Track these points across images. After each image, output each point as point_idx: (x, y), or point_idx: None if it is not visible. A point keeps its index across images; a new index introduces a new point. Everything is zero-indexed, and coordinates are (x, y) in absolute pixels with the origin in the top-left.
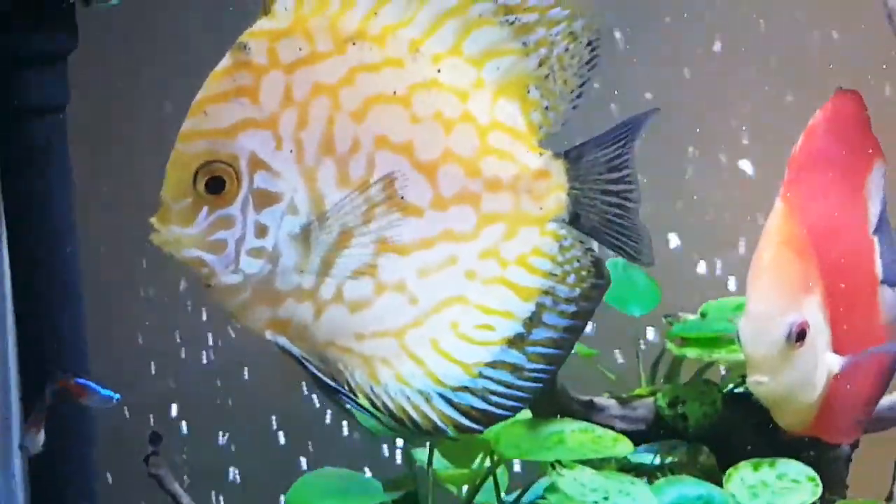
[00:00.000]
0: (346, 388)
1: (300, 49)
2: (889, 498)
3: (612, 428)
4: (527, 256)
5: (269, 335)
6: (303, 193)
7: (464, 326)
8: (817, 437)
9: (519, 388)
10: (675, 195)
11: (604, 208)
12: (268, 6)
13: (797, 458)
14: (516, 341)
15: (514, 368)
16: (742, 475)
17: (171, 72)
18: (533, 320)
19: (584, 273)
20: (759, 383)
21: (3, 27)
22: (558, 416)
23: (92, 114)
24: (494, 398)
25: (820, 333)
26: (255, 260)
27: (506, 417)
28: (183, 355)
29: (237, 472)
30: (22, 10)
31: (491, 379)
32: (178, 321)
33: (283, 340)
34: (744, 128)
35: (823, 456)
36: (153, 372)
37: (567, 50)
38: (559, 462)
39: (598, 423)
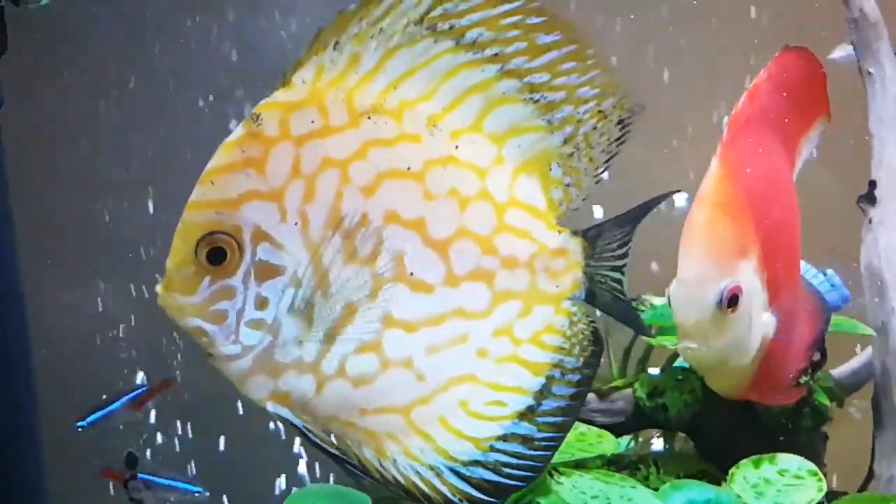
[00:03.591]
0: (356, 461)
1: (312, 122)
2: (869, 477)
3: (593, 422)
4: (540, 334)
5: (270, 407)
6: (306, 266)
7: (474, 404)
8: (755, 400)
9: (531, 458)
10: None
11: (612, 284)
12: (287, 78)
13: (776, 441)
14: (527, 414)
15: (526, 440)
16: (744, 474)
17: (100, 72)
18: (543, 392)
19: (586, 343)
20: (689, 349)
21: None
22: None
23: (24, 115)
24: (507, 470)
25: (755, 297)
26: (254, 331)
27: (519, 488)
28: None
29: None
30: None
31: (503, 452)
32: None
33: (285, 412)
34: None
35: (801, 436)
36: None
37: (595, 128)
38: (554, 468)
39: (578, 419)
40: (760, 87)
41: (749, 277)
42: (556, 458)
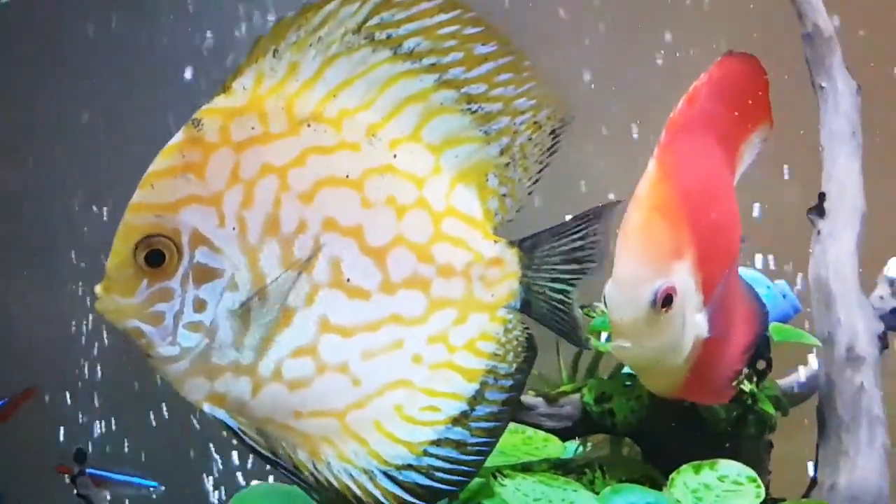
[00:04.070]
0: (290, 463)
1: (253, 128)
2: (812, 484)
3: (540, 427)
4: (475, 341)
5: (206, 408)
6: (244, 271)
7: (408, 409)
8: (688, 399)
9: (463, 463)
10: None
11: (551, 295)
12: (227, 84)
13: (721, 448)
14: (460, 419)
15: (458, 444)
16: (685, 479)
17: (71, 69)
18: (477, 398)
19: (520, 349)
20: (623, 348)
21: None
22: None
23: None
24: (439, 474)
25: (689, 298)
26: (192, 333)
27: (451, 492)
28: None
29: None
30: None
31: (436, 456)
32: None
33: (221, 413)
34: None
35: (746, 444)
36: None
37: (530, 139)
38: (498, 471)
39: (525, 423)
40: (700, 90)
41: (684, 278)
42: (503, 461)
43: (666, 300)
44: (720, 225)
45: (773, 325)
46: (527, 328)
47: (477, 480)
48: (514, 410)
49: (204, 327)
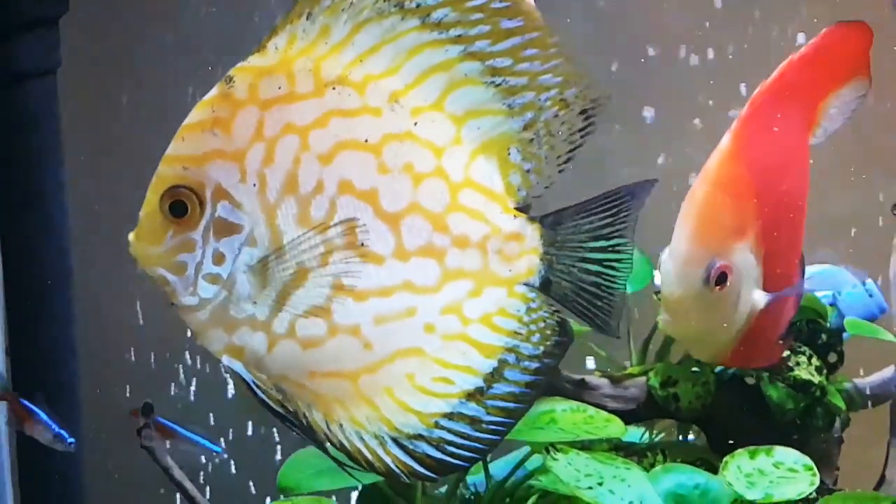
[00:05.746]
0: (304, 422)
1: (279, 88)
2: (881, 482)
3: (604, 407)
4: (491, 316)
5: (225, 360)
6: (262, 227)
7: (420, 378)
8: (737, 366)
9: (476, 440)
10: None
11: (580, 276)
12: (262, 44)
13: (788, 439)
14: (475, 395)
15: (472, 421)
16: (739, 463)
17: (162, 31)
18: (494, 375)
19: (548, 332)
20: (669, 322)
21: None
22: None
23: (83, 77)
24: (450, 448)
25: (747, 274)
26: (210, 285)
27: (462, 468)
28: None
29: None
30: None
31: (447, 430)
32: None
33: (238, 366)
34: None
35: (814, 437)
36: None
37: (556, 116)
38: (552, 445)
39: (589, 403)
40: (792, 63)
41: (743, 256)
42: (561, 438)
43: (720, 278)
44: (791, 192)
45: (848, 320)
46: (556, 311)
47: (536, 458)
48: (537, 395)
49: (222, 280)
